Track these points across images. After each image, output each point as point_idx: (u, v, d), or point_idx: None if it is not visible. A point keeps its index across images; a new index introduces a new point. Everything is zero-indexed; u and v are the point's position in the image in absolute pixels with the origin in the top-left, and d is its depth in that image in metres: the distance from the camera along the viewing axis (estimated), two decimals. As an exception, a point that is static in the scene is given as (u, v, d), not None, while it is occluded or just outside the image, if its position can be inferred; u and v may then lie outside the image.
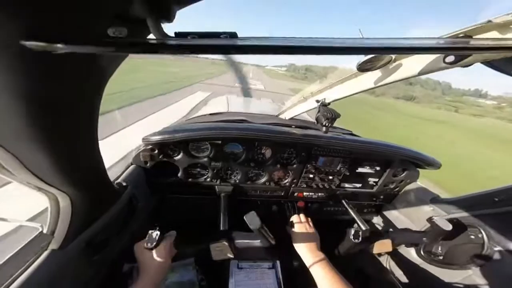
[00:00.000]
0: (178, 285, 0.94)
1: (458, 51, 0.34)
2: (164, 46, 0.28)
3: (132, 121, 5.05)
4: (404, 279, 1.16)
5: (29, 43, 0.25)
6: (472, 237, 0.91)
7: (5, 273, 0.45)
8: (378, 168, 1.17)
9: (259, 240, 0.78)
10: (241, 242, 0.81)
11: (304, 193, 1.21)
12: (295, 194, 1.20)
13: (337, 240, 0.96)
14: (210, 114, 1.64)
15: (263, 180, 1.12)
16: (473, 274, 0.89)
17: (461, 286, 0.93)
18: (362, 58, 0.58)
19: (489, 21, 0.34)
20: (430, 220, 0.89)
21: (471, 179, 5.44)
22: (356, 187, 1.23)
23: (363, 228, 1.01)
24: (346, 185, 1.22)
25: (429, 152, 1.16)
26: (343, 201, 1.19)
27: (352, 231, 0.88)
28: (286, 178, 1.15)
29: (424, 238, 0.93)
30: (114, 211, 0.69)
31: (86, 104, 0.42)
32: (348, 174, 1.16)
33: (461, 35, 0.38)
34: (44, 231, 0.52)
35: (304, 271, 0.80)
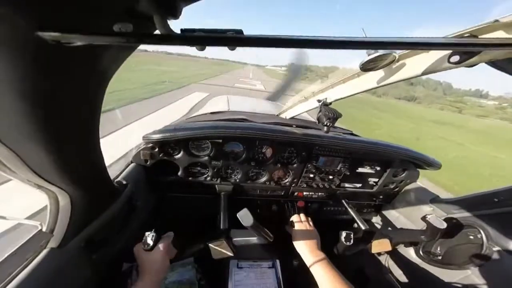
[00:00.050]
0: (178, 284, 0.94)
1: (465, 47, 0.34)
2: (171, 38, 0.28)
3: (120, 125, 4.78)
4: (403, 278, 1.17)
5: (42, 34, 0.25)
6: (471, 237, 0.91)
7: (4, 271, 0.44)
8: (378, 168, 1.17)
9: (257, 238, 0.78)
10: (240, 240, 0.81)
11: (304, 193, 1.21)
12: (295, 193, 1.20)
13: (336, 240, 0.97)
14: (211, 113, 1.63)
15: (263, 179, 1.12)
16: (472, 274, 0.90)
17: (460, 286, 0.93)
18: (365, 57, 0.58)
19: (496, 20, 0.34)
20: (424, 218, 0.89)
21: (485, 181, 5.40)
22: (356, 187, 1.23)
23: (363, 227, 1.02)
24: (346, 185, 1.22)
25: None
26: (343, 201, 1.19)
27: (344, 234, 0.88)
28: (287, 177, 1.15)
29: (422, 237, 0.93)
30: (114, 209, 0.68)
31: (88, 102, 0.42)
32: (348, 174, 1.16)
33: (467, 34, 0.38)
34: (44, 229, 0.51)
35: (304, 270, 0.80)
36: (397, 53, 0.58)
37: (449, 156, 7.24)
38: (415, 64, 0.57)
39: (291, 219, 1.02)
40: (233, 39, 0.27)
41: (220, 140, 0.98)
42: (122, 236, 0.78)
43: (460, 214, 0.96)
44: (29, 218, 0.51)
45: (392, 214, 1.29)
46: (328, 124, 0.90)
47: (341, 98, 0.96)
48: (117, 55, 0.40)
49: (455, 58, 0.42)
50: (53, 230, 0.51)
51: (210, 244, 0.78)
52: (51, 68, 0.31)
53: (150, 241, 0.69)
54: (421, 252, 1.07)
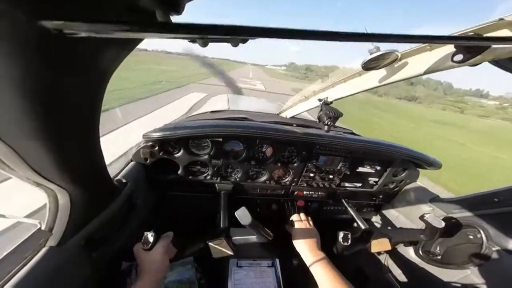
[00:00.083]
0: (177, 283, 0.94)
1: (472, 41, 0.33)
2: (174, 27, 0.27)
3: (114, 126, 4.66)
4: (402, 278, 1.17)
5: (44, 22, 0.24)
6: (471, 237, 0.91)
7: (3, 269, 0.44)
8: (378, 168, 1.17)
9: (257, 236, 0.78)
10: (240, 238, 0.81)
11: (304, 192, 1.21)
12: (295, 193, 1.20)
13: (336, 240, 0.97)
14: (211, 111, 1.63)
15: (263, 178, 1.12)
16: (471, 274, 0.90)
17: (459, 285, 0.93)
18: (367, 56, 0.57)
19: (501, 19, 0.33)
20: (422, 218, 0.89)
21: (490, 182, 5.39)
22: (356, 187, 1.23)
23: (362, 227, 1.02)
24: (346, 184, 1.22)
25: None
26: (343, 200, 1.19)
27: (341, 234, 0.88)
28: (287, 176, 1.14)
29: (421, 236, 0.94)
30: (114, 208, 0.68)
31: (88, 100, 0.41)
32: (348, 173, 1.16)
33: (471, 33, 0.38)
34: (43, 228, 0.51)
35: (303, 269, 0.80)
36: (399, 52, 0.57)
37: (457, 158, 7.19)
38: (418, 63, 0.57)
39: (291, 219, 1.02)
40: (237, 29, 0.26)
41: (220, 139, 0.97)
42: (122, 235, 0.77)
43: (460, 214, 0.96)
44: (28, 216, 0.51)
45: (391, 214, 1.29)
46: (329, 123, 0.90)
47: (342, 97, 0.96)
48: (119, 51, 0.39)
49: (459, 57, 0.42)
50: (52, 228, 0.51)
51: (210, 243, 0.78)
52: (53, 63, 0.30)
53: (149, 241, 0.69)
54: (420, 252, 1.07)
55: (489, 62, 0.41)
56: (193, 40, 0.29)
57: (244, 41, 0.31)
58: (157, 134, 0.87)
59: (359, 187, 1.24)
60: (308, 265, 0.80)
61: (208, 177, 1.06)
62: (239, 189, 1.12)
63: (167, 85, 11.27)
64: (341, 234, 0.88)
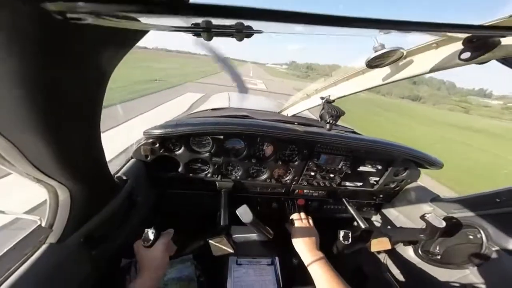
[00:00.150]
0: (177, 281, 0.94)
1: (488, 30, 0.31)
2: (181, 7, 0.25)
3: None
4: (401, 278, 1.17)
5: (47, 4, 0.23)
6: (471, 237, 0.91)
7: (2, 266, 0.44)
8: (379, 167, 1.17)
9: (257, 234, 0.78)
10: (240, 236, 0.81)
11: (305, 191, 1.21)
12: (296, 191, 1.20)
13: (336, 238, 0.97)
14: (212, 109, 1.62)
15: (264, 176, 1.11)
16: (471, 274, 0.90)
17: (458, 285, 0.93)
18: (372, 54, 0.57)
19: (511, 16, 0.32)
20: (423, 217, 0.89)
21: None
22: (357, 186, 1.23)
23: (362, 226, 1.02)
24: (347, 183, 1.21)
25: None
26: (343, 200, 1.19)
27: (342, 233, 0.88)
28: (287, 175, 1.14)
29: (421, 235, 0.94)
30: (114, 205, 0.67)
31: (90, 95, 0.41)
32: (349, 172, 1.16)
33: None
34: (43, 224, 0.50)
35: (303, 268, 0.80)
36: (405, 49, 0.56)
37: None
38: (424, 61, 0.56)
39: (291, 217, 1.02)
40: (247, 10, 0.24)
41: (221, 137, 0.97)
42: (122, 232, 0.77)
43: (460, 214, 0.96)
44: (28, 212, 0.51)
45: (392, 213, 1.29)
46: (331, 122, 0.89)
47: (345, 96, 0.95)
48: (119, 46, 0.38)
49: (466, 54, 0.41)
50: (52, 225, 0.51)
51: (210, 241, 0.78)
52: (54, 57, 0.29)
53: (150, 238, 0.69)
54: (420, 251, 1.07)
55: (497, 60, 0.40)
56: (197, 34, 0.28)
57: (249, 36, 0.30)
58: (158, 131, 0.87)
59: (360, 186, 1.23)
60: (306, 264, 0.80)
61: (209, 175, 1.05)
62: (240, 187, 1.12)
63: (163, 84, 10.90)
64: (341, 233, 0.88)
